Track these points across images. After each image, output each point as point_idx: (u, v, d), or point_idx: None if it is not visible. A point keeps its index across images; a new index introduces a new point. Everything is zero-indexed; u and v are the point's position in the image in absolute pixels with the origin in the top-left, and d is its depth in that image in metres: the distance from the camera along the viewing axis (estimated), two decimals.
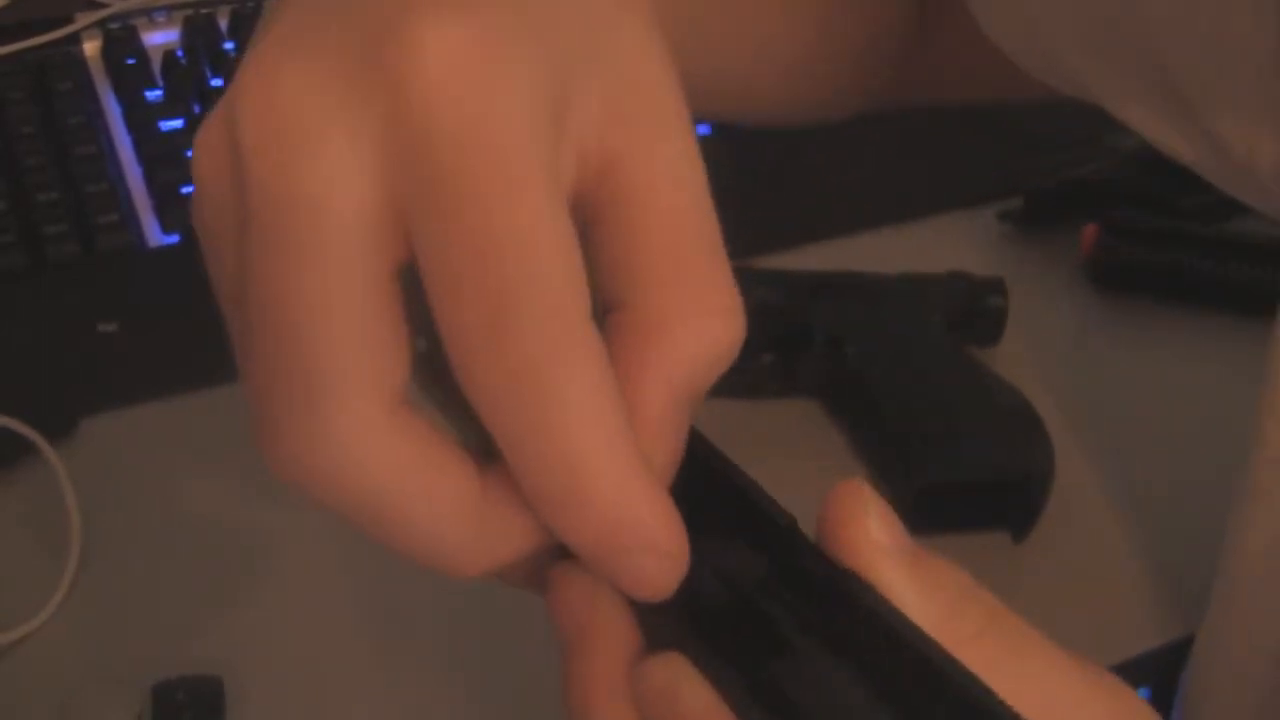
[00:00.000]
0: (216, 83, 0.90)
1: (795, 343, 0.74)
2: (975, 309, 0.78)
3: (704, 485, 0.30)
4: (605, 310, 0.29)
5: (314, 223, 0.27)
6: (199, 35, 0.92)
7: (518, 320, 0.26)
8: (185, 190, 0.82)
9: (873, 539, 0.29)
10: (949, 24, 0.60)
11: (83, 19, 0.93)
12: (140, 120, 0.87)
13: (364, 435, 0.27)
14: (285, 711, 0.63)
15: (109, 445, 0.72)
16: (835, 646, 0.29)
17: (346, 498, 0.28)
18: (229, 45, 0.92)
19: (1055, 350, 0.80)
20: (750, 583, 0.30)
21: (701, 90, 0.38)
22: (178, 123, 0.87)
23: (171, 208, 0.82)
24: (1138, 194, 0.84)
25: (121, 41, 0.92)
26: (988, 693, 0.27)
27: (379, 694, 0.63)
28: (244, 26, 0.93)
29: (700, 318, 0.29)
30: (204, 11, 0.94)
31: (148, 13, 0.94)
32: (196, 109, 0.88)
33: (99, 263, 0.80)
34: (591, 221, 0.29)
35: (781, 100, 0.63)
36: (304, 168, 0.27)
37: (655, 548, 0.28)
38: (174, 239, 0.82)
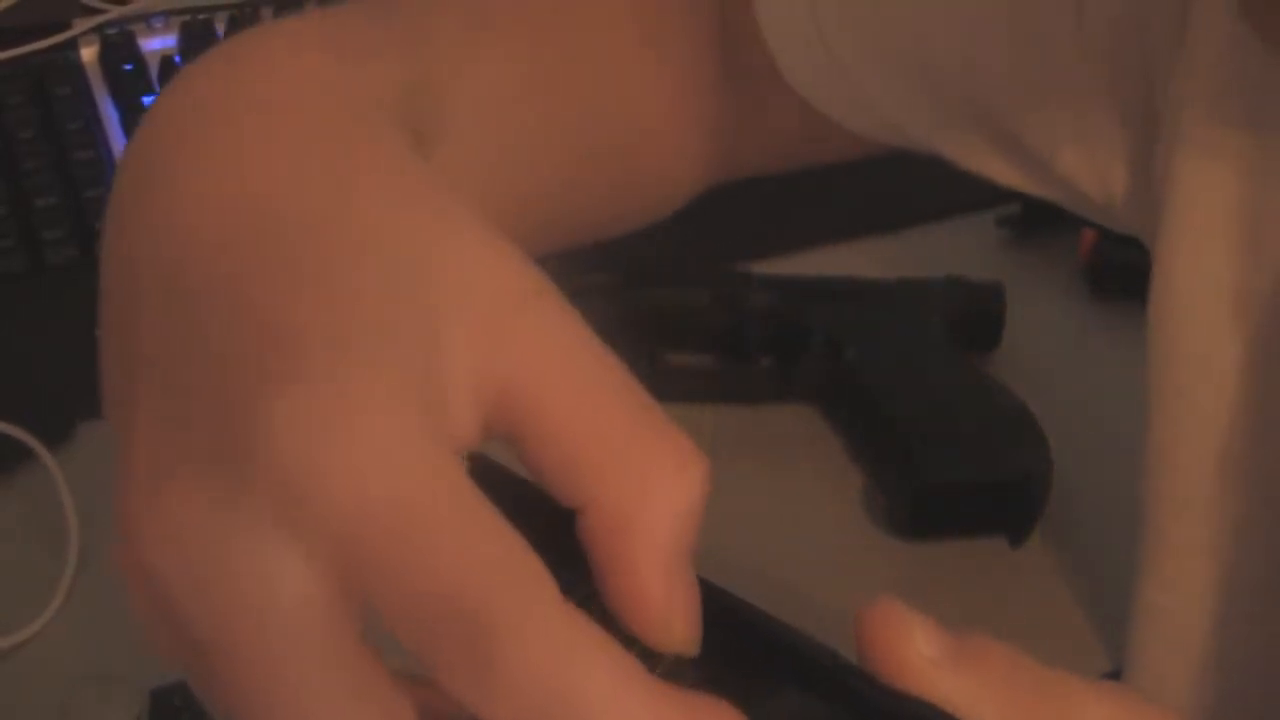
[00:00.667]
0: None
1: (794, 347, 0.74)
2: (973, 314, 0.78)
3: (734, 640, 0.30)
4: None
5: (275, 637, 0.27)
6: (196, 41, 0.92)
7: (504, 653, 0.26)
8: None
9: (925, 655, 0.29)
10: (773, 105, 0.59)
11: (80, 24, 0.93)
12: (137, 125, 0.87)
13: None
14: None
15: (107, 449, 0.72)
16: None
17: None
18: None
19: (1053, 355, 0.80)
20: None
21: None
22: None
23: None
24: None
25: (119, 47, 0.92)
26: None
27: None
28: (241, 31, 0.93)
29: (661, 492, 0.28)
30: (201, 17, 0.94)
31: (145, 18, 0.94)
32: None
33: (97, 266, 0.80)
34: (517, 443, 0.29)
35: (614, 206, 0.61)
36: (237, 597, 0.27)
37: None
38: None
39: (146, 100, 0.89)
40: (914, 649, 0.29)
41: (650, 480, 0.28)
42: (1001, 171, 0.57)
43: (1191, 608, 0.53)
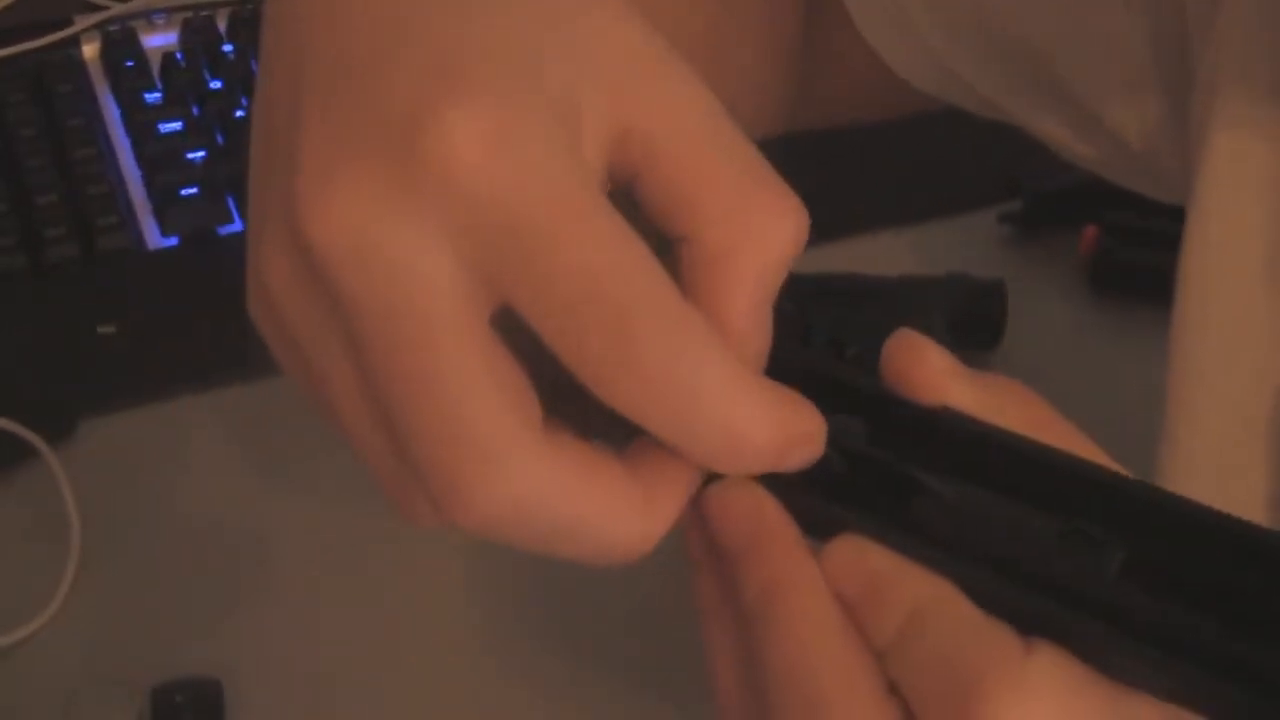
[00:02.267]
0: (215, 84, 0.90)
1: (795, 345, 0.74)
2: (975, 311, 0.78)
3: (778, 367, 0.33)
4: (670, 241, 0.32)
5: (419, 314, 0.29)
6: (198, 37, 0.92)
7: (638, 339, 0.29)
8: (184, 192, 0.83)
9: (940, 368, 0.33)
10: (837, 49, 0.61)
11: (82, 21, 0.93)
12: (139, 122, 0.87)
13: (534, 465, 0.30)
14: (284, 714, 0.63)
15: (108, 447, 0.72)
16: (961, 471, 0.32)
17: (530, 527, 0.31)
18: (228, 47, 0.92)
19: (1054, 352, 0.80)
20: (860, 443, 0.33)
21: None
22: (177, 125, 0.87)
23: (170, 210, 0.82)
24: (1137, 197, 0.84)
25: (120, 44, 0.92)
26: (1092, 464, 0.32)
27: (377, 696, 0.63)
28: (242, 28, 0.93)
29: (754, 234, 0.32)
30: (203, 14, 0.93)
31: (147, 15, 0.94)
32: (195, 111, 0.88)
33: (98, 265, 0.80)
34: (634, 179, 0.32)
35: None
36: (392, 273, 0.29)
37: (810, 438, 0.32)
38: (173, 241, 0.82)
39: (148, 97, 0.89)
40: (930, 363, 0.33)
41: (750, 223, 0.32)
42: (1053, 131, 0.58)
43: None
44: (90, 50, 0.92)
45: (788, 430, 0.31)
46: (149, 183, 0.84)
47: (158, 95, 0.89)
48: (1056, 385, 0.78)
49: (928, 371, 0.33)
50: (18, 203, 0.82)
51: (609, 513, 0.31)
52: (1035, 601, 0.30)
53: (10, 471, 0.70)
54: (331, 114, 0.31)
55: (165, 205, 0.82)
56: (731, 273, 0.31)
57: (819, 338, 0.74)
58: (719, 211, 0.31)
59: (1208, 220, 0.50)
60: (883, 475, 0.33)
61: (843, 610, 0.32)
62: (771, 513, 0.33)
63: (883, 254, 0.83)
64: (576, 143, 0.31)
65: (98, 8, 0.94)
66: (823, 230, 0.97)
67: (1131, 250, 0.83)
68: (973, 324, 0.78)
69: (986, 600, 0.31)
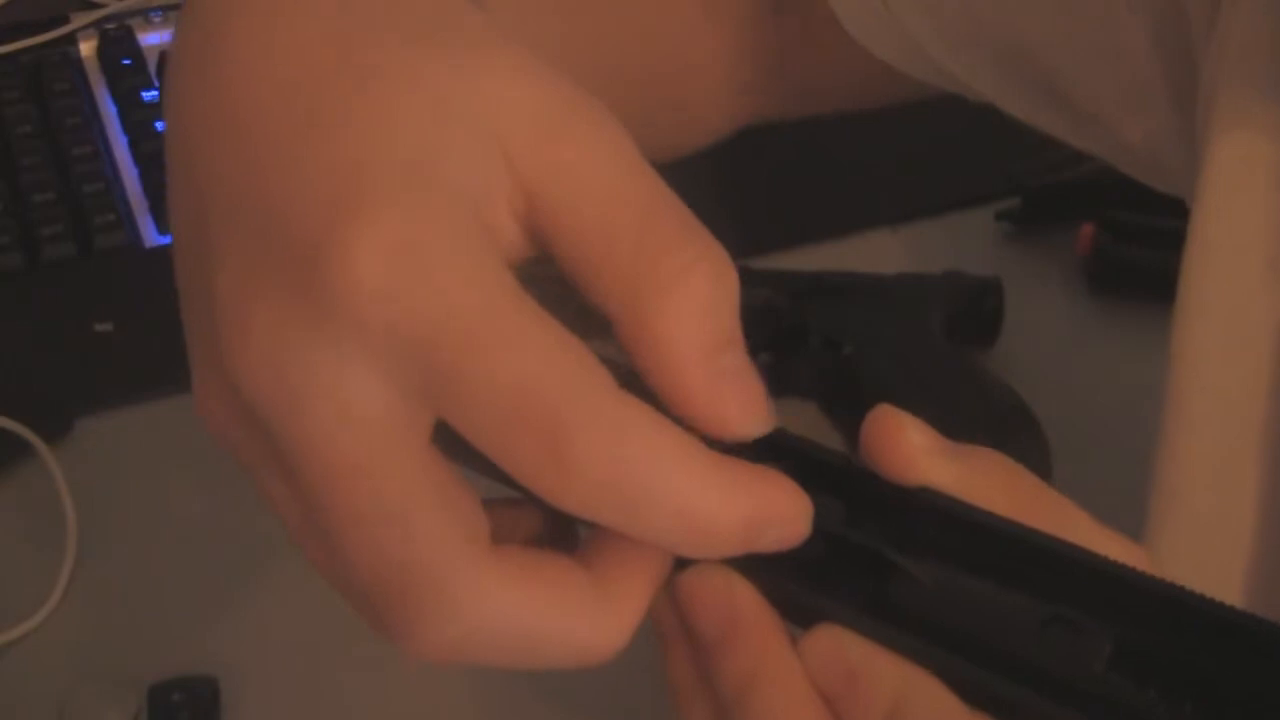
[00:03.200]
0: None
1: (792, 343, 0.74)
2: (972, 309, 0.78)
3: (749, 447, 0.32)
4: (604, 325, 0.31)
5: (351, 446, 0.29)
6: None
7: (575, 444, 0.28)
8: None
9: (919, 446, 0.32)
10: (814, 40, 0.60)
11: (79, 19, 0.93)
12: (136, 120, 0.87)
13: (486, 591, 0.29)
14: (280, 712, 0.63)
15: (105, 445, 0.72)
16: (942, 554, 0.31)
17: (494, 649, 0.30)
18: None
19: (1051, 350, 0.80)
20: (836, 524, 0.32)
21: None
22: None
23: (167, 208, 0.82)
24: (1134, 194, 0.84)
25: (117, 42, 0.92)
26: (1076, 548, 0.30)
27: (374, 695, 0.63)
28: None
29: (667, 294, 0.29)
30: None
31: (143, 13, 0.94)
32: None
33: (95, 263, 0.80)
34: (548, 248, 0.30)
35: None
36: (318, 407, 0.29)
37: (788, 518, 0.31)
38: (170, 239, 0.81)
39: (145, 95, 0.88)
40: (909, 441, 0.32)
41: (660, 282, 0.29)
42: (1051, 127, 0.57)
43: (1205, 581, 0.52)
44: (87, 48, 0.92)
45: (755, 510, 0.30)
46: (146, 181, 0.84)
47: (155, 93, 0.89)
48: (1053, 383, 0.79)
49: (906, 450, 0.32)
50: (14, 201, 0.82)
51: (571, 623, 0.30)
52: (1018, 692, 0.29)
53: (7, 470, 0.70)
54: (238, 249, 0.30)
55: (162, 203, 0.82)
56: (660, 341, 0.29)
57: (815, 336, 0.74)
58: (626, 279, 0.29)
59: (1210, 220, 0.49)
60: (861, 558, 0.32)
61: (822, 704, 0.31)
62: (746, 600, 0.31)
63: (879, 252, 0.83)
64: (488, 233, 0.30)
65: (95, 6, 0.94)
66: (819, 228, 0.98)
67: (1128, 248, 0.83)
68: (970, 322, 0.78)
69: (969, 690, 0.30)
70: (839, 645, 0.31)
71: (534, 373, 0.28)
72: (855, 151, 0.89)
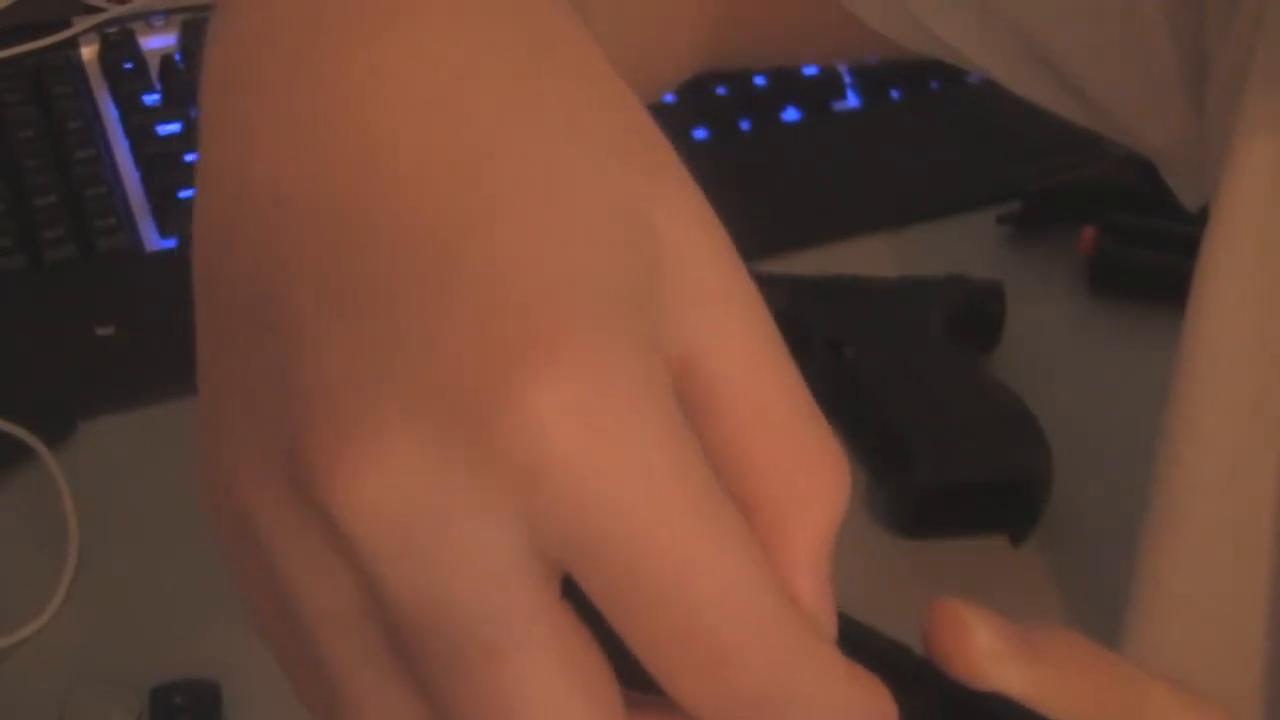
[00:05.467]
0: None
1: (794, 346, 0.74)
2: (974, 312, 0.78)
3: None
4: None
5: (487, 613, 0.25)
6: (197, 39, 0.92)
7: (731, 660, 0.26)
8: (183, 194, 0.82)
9: (987, 650, 0.30)
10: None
11: (80, 23, 0.93)
12: (138, 124, 0.87)
13: None
14: (282, 715, 0.63)
15: (107, 448, 0.72)
16: None
17: None
18: None
19: (1053, 352, 0.80)
20: None
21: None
22: (175, 127, 0.87)
23: (169, 211, 0.82)
24: (1136, 196, 0.85)
25: (119, 46, 0.92)
26: None
27: None
28: None
29: (816, 500, 0.28)
30: (201, 16, 0.93)
31: (145, 17, 0.94)
32: (194, 113, 0.88)
33: (97, 266, 0.80)
34: (693, 418, 0.27)
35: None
36: (455, 569, 0.25)
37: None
38: (171, 243, 0.82)
39: (146, 99, 0.88)
40: (976, 646, 0.30)
41: (813, 494, 0.28)
42: (1059, 100, 0.56)
43: (1205, 589, 0.52)
44: (89, 52, 0.92)
45: (867, 715, 0.28)
46: (147, 184, 0.84)
47: (156, 97, 0.89)
48: (1055, 386, 0.79)
49: (974, 656, 0.30)
50: (16, 204, 0.82)
51: None
52: None
53: (9, 473, 0.70)
54: (360, 349, 0.25)
55: (164, 207, 0.82)
56: (789, 545, 0.28)
57: (817, 339, 0.74)
58: (776, 479, 0.28)
59: (1229, 218, 0.49)
60: None
61: None
62: None
63: (881, 255, 0.83)
64: (666, 397, 0.26)
65: (96, 10, 0.94)
66: (820, 232, 0.98)
67: (1130, 251, 0.83)
68: (971, 325, 0.78)
69: None
70: None
71: (726, 596, 0.25)
72: (857, 155, 0.90)
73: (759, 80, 0.92)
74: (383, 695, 0.28)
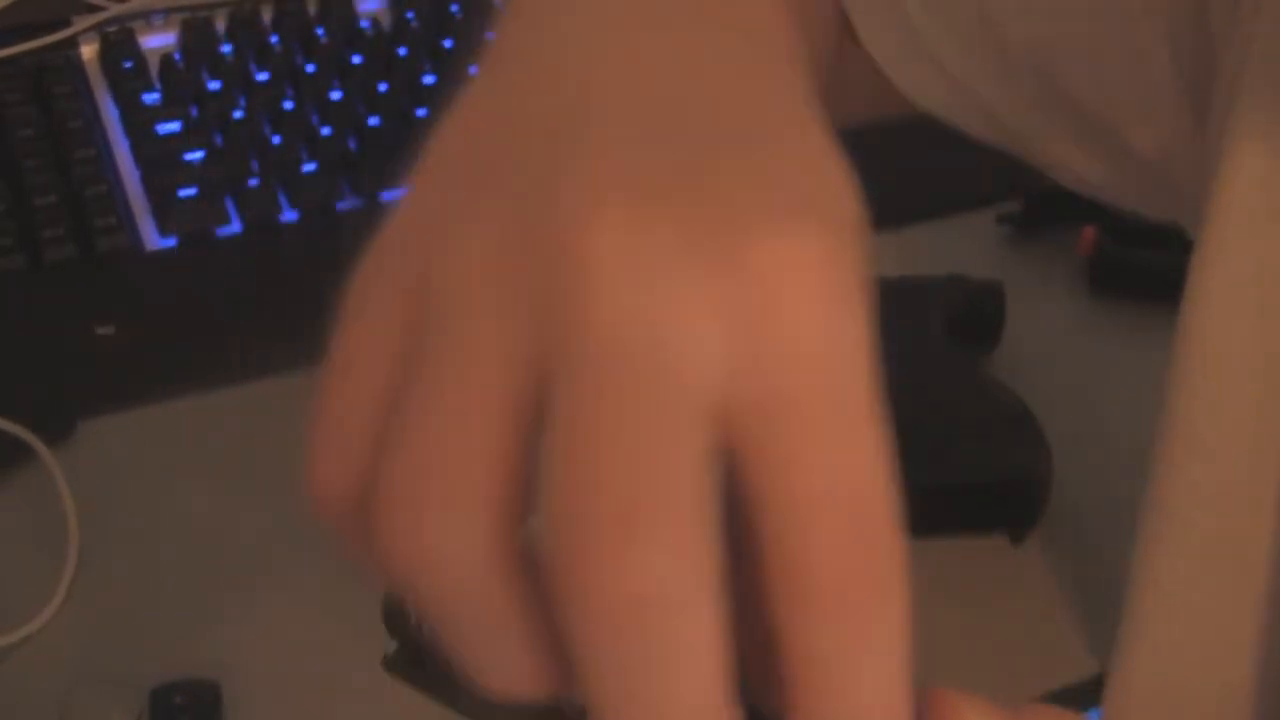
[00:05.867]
0: (214, 85, 0.89)
1: None
2: (974, 312, 0.78)
3: None
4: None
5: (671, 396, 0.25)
6: (196, 38, 0.92)
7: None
8: (182, 193, 0.82)
9: None
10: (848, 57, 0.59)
11: (80, 22, 0.93)
12: (138, 123, 0.87)
13: None
14: (282, 715, 0.63)
15: (107, 448, 0.72)
16: None
17: None
18: (226, 48, 0.92)
19: (1053, 353, 0.80)
20: None
21: None
22: (175, 125, 0.87)
23: (169, 211, 0.82)
24: None
25: (119, 45, 0.92)
26: None
27: (375, 698, 0.63)
28: (241, 29, 0.92)
29: (871, 644, 0.26)
30: (201, 15, 0.93)
31: (145, 16, 0.94)
32: (194, 112, 0.88)
33: (97, 265, 0.80)
34: (738, 466, 0.27)
35: None
36: (674, 338, 0.26)
37: None
38: (171, 242, 0.82)
39: (146, 98, 0.88)
40: None
41: (858, 644, 0.26)
42: (1063, 152, 0.57)
43: (1201, 593, 0.52)
44: (89, 51, 0.92)
45: None
46: (147, 183, 0.84)
47: (156, 96, 0.89)
48: (1055, 386, 0.79)
49: None
50: (16, 204, 0.82)
51: None
52: None
53: (9, 473, 0.70)
54: (642, 157, 0.27)
55: (164, 206, 0.82)
56: (841, 702, 0.27)
57: None
58: (818, 615, 0.26)
59: (1224, 228, 0.48)
60: None
61: None
62: None
63: (881, 254, 0.83)
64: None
65: (96, 9, 0.94)
66: None
67: (1130, 251, 0.83)
68: (971, 325, 0.78)
69: None
70: None
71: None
72: (856, 155, 0.89)
73: None
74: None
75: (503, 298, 0.26)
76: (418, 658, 0.31)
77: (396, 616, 0.31)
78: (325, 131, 0.87)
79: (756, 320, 0.26)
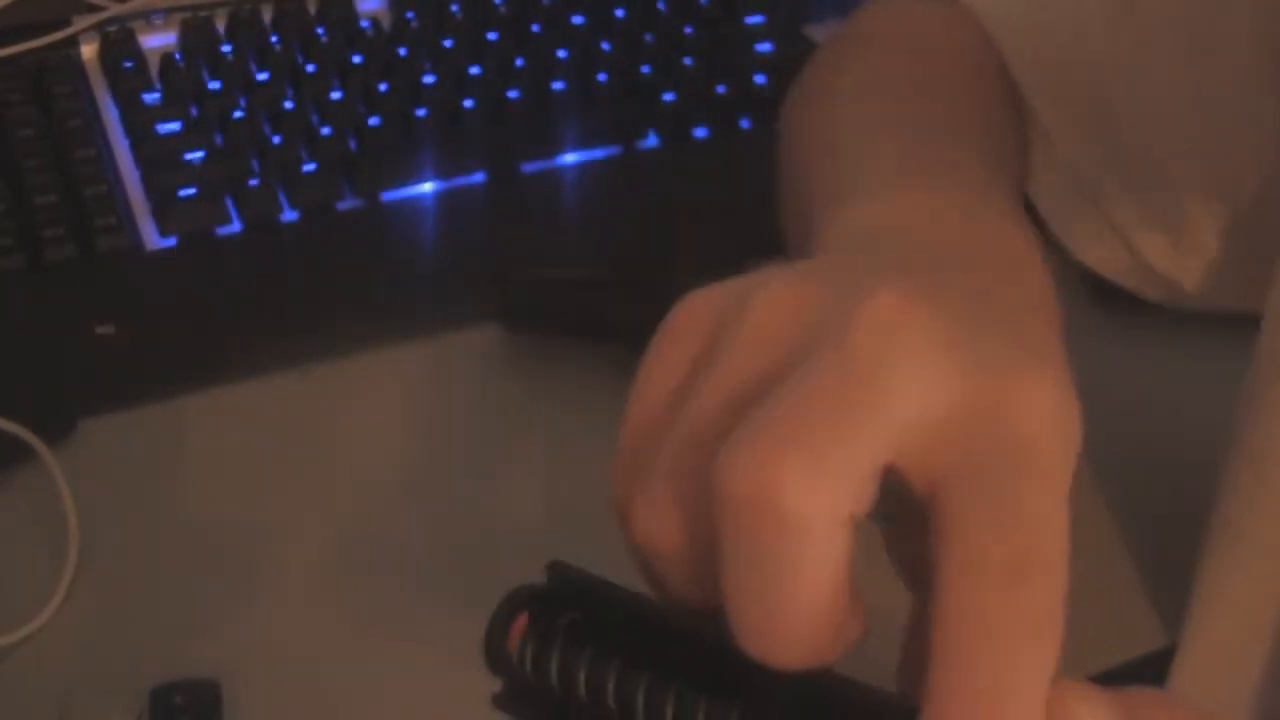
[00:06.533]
0: (214, 85, 0.89)
1: None
2: None
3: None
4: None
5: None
6: (197, 38, 0.92)
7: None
8: (182, 193, 0.82)
9: None
10: None
11: (80, 22, 0.93)
12: (138, 123, 0.87)
13: None
14: (282, 715, 0.63)
15: (107, 447, 0.72)
16: None
17: None
18: (226, 48, 0.92)
19: None
20: None
21: None
22: (175, 125, 0.87)
23: (169, 211, 0.82)
24: None
25: (119, 44, 0.92)
26: None
27: (376, 697, 0.63)
28: (241, 29, 0.92)
29: (1020, 694, 0.30)
30: (202, 14, 0.93)
31: (145, 15, 0.94)
32: (194, 111, 0.88)
33: (97, 265, 0.80)
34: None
35: None
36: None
37: None
38: (171, 242, 0.82)
39: (146, 98, 0.88)
40: None
41: (1008, 690, 0.30)
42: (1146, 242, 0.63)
43: (1262, 596, 0.53)
44: (89, 51, 0.92)
45: None
46: (147, 183, 0.84)
47: (156, 96, 0.89)
48: None
49: None
50: (16, 204, 0.82)
51: None
52: None
53: (8, 472, 0.70)
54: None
55: (164, 206, 0.82)
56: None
57: None
58: (944, 682, 0.30)
59: None
60: None
61: None
62: None
63: None
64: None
65: (96, 8, 0.94)
66: None
67: None
68: None
69: None
70: None
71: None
72: None
73: (759, 79, 0.92)
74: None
75: (789, 325, 0.33)
76: (525, 693, 0.33)
77: (500, 655, 0.32)
78: (325, 131, 0.87)
79: (987, 410, 0.31)
